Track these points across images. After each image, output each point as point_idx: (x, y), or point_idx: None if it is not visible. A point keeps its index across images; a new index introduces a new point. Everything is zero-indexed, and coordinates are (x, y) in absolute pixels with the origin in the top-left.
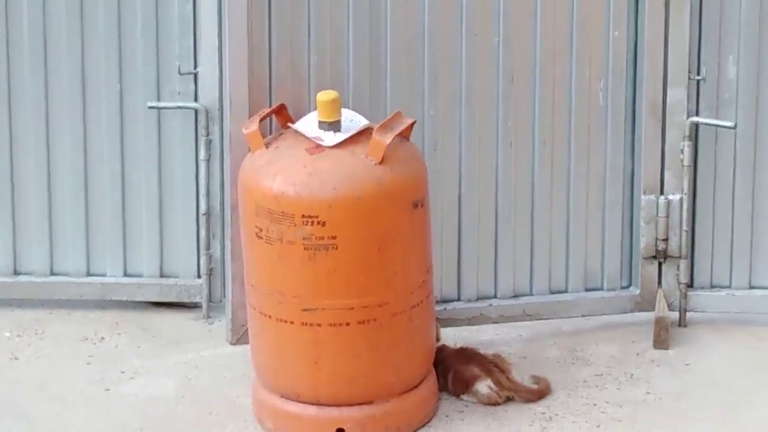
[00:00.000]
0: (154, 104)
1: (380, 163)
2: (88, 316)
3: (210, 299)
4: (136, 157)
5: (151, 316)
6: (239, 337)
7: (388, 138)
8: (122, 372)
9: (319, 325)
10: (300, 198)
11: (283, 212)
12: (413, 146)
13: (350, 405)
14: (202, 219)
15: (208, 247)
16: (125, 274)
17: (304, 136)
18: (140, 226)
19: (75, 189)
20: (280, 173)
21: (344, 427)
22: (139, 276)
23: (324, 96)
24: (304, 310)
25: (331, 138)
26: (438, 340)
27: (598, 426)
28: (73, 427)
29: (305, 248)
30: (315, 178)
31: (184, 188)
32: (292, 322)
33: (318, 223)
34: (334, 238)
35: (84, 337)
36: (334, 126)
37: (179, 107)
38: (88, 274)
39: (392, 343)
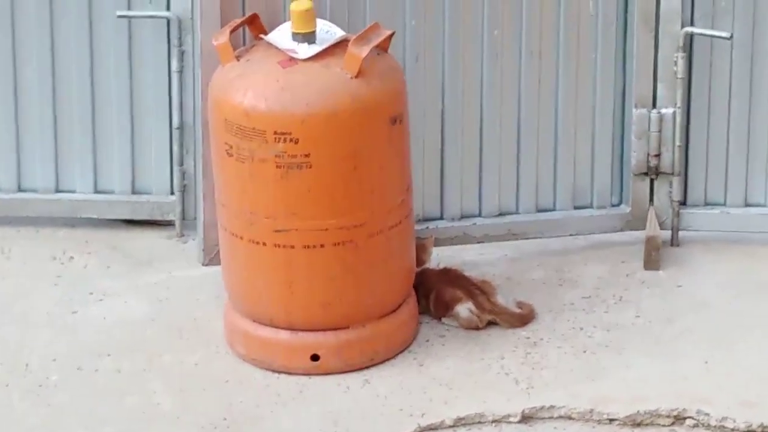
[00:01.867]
0: (124, 13)
1: (356, 76)
2: (56, 235)
3: (183, 217)
4: (106, 69)
5: (122, 234)
6: (211, 257)
7: (365, 50)
8: (91, 293)
9: (292, 246)
10: (272, 113)
11: (254, 128)
12: (392, 59)
13: (325, 330)
14: (175, 133)
15: (181, 163)
16: (95, 191)
17: (276, 48)
18: (111, 141)
19: (43, 102)
20: (250, 87)
21: (319, 353)
22: (110, 193)
23: (298, 5)
24: (277, 231)
25: (305, 50)
26: (424, 261)
27: (584, 351)
28: (36, 351)
29: (277, 166)
30: (287, 92)
31: (157, 101)
32: (264, 244)
33: (291, 140)
34: (307, 155)
35: (52, 256)
36: (309, 38)
37: (150, 16)
38: (57, 191)
39: (369, 265)
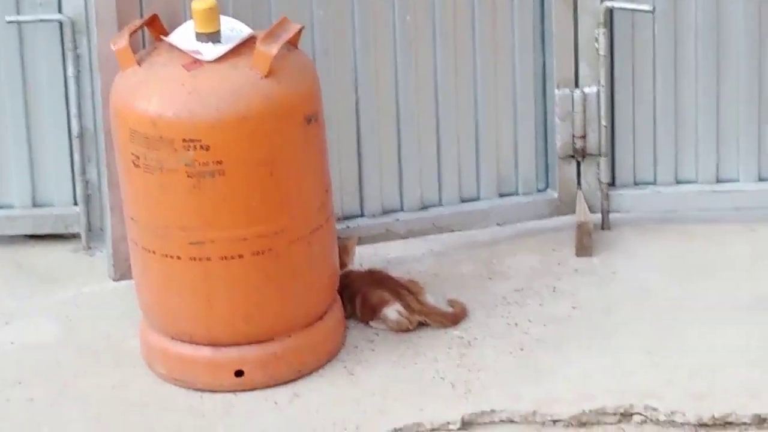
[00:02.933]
0: (13, 18)
1: (267, 76)
2: None
3: (89, 228)
4: None
5: (25, 250)
6: (122, 272)
7: (274, 48)
8: None
9: (209, 259)
10: (180, 120)
11: (161, 137)
12: (303, 54)
13: (249, 344)
14: (75, 141)
15: (83, 172)
16: None
17: (180, 50)
18: (7, 154)
19: None
20: (155, 94)
21: (243, 368)
22: (10, 207)
23: (200, 4)
24: (192, 243)
25: (210, 51)
26: (347, 264)
27: (522, 349)
28: None
29: (189, 176)
30: (195, 97)
31: (53, 109)
32: (179, 258)
33: (201, 147)
34: (220, 162)
35: None
36: (213, 37)
37: (41, 20)
38: None
39: (291, 273)
